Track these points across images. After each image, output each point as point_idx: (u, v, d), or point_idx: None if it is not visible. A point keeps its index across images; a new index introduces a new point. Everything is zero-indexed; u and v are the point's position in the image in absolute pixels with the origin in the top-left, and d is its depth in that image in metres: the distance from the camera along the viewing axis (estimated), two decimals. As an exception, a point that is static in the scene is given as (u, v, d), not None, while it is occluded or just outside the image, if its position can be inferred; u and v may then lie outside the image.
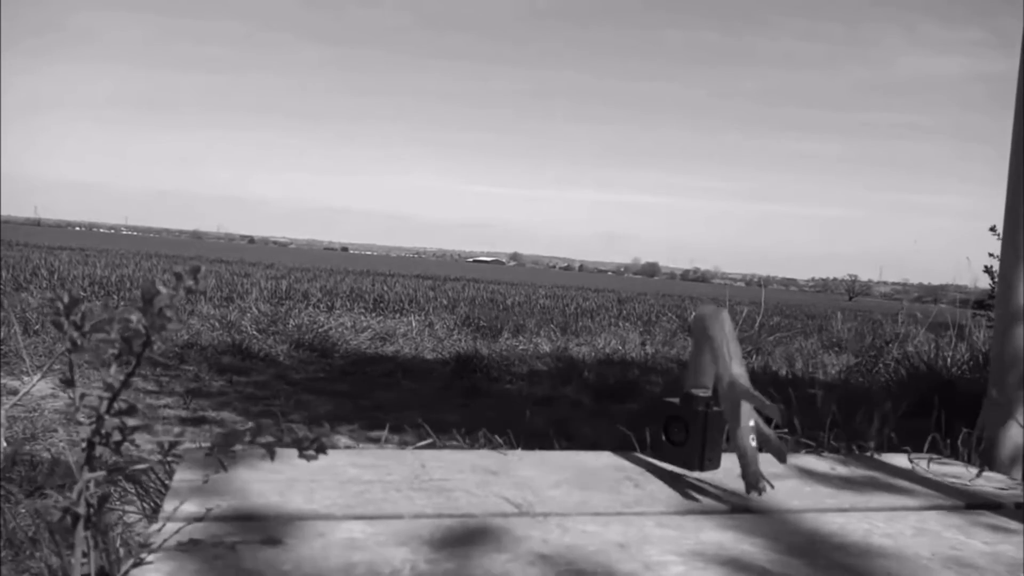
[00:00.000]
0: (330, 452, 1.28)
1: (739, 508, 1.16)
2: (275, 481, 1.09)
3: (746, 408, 1.17)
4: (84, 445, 0.53)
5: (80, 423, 0.53)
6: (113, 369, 0.52)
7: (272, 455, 0.65)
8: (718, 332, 1.26)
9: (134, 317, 0.49)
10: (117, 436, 0.54)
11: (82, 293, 8.67)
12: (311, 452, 0.67)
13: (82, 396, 0.53)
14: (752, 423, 1.17)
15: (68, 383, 0.52)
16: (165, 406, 3.75)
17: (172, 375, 4.53)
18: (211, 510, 0.92)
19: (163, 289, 0.49)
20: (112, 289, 9.16)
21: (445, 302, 11.05)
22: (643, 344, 7.05)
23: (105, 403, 0.52)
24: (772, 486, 1.16)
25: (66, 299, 0.48)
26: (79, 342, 0.49)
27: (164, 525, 0.84)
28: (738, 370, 1.21)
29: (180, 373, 4.61)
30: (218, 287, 10.07)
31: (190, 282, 0.49)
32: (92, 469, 0.54)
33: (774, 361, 5.81)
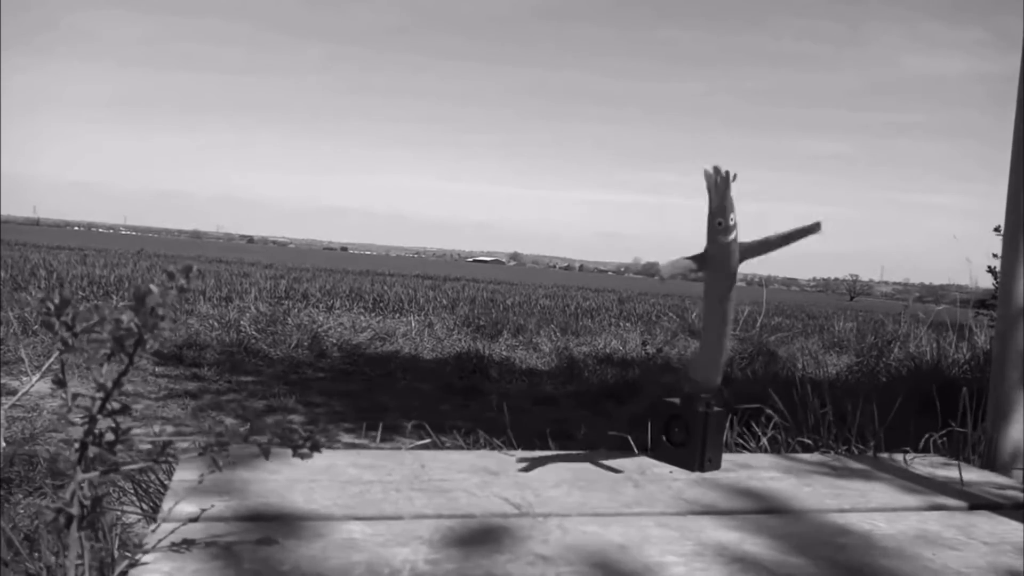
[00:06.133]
0: (330, 453, 1.28)
1: (740, 509, 1.16)
2: (275, 481, 1.09)
3: None
4: (77, 446, 0.53)
5: (73, 424, 0.53)
6: (105, 369, 0.51)
7: (267, 454, 0.65)
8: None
9: (125, 317, 0.48)
10: (110, 436, 0.54)
11: (80, 293, 8.66)
12: (305, 451, 0.66)
13: (75, 396, 0.53)
14: None
15: (60, 383, 0.51)
16: (165, 406, 3.74)
17: (171, 375, 4.53)
18: (206, 510, 0.92)
19: (154, 288, 0.48)
20: (111, 289, 9.15)
21: (445, 302, 11.04)
22: (643, 344, 7.05)
23: (97, 403, 0.52)
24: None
25: (57, 300, 0.48)
26: (70, 342, 0.49)
27: (160, 525, 0.84)
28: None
29: (180, 373, 4.61)
30: (217, 287, 10.06)
31: (182, 281, 0.49)
32: (86, 470, 0.53)
33: (775, 361, 5.81)
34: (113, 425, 0.54)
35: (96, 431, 0.52)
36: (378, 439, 2.40)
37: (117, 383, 0.51)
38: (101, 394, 0.51)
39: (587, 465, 1.34)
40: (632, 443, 1.61)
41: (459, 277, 24.36)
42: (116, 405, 0.52)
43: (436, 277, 22.14)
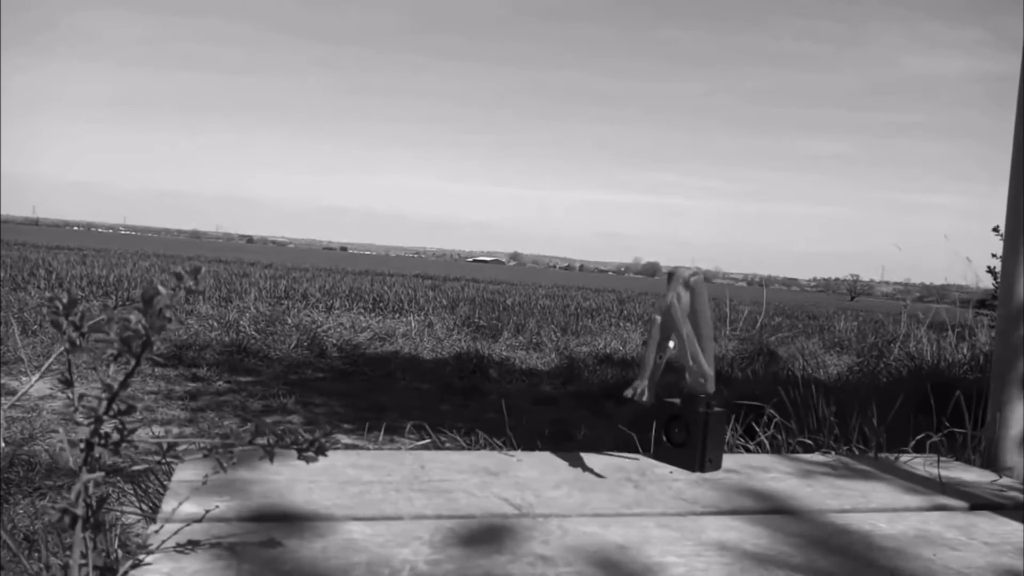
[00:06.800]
0: (330, 453, 1.28)
1: (740, 509, 1.16)
2: (275, 482, 1.09)
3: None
4: (82, 446, 0.53)
5: (79, 423, 0.53)
6: (112, 369, 0.52)
7: (271, 457, 0.65)
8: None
9: (133, 317, 0.48)
10: (116, 437, 0.54)
11: (80, 293, 8.64)
12: (310, 454, 0.66)
13: (80, 397, 0.53)
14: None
15: (67, 383, 0.51)
16: (164, 406, 3.74)
17: (170, 376, 4.53)
18: (210, 511, 0.92)
19: (163, 289, 0.48)
20: (110, 289, 9.15)
21: (445, 302, 11.03)
22: (644, 344, 7.04)
23: (104, 404, 0.52)
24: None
25: (65, 299, 0.48)
26: (78, 342, 0.49)
27: (163, 526, 0.84)
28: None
29: (179, 373, 4.61)
30: (217, 287, 10.06)
31: (191, 282, 0.49)
32: (91, 470, 0.53)
33: (776, 361, 5.81)
34: (119, 426, 0.54)
35: (101, 432, 0.52)
36: (380, 440, 2.40)
37: (124, 384, 0.51)
38: (107, 394, 0.51)
39: (587, 466, 1.33)
40: (633, 443, 1.61)
41: (459, 277, 24.35)
42: (122, 406, 0.52)
43: (436, 277, 22.13)
